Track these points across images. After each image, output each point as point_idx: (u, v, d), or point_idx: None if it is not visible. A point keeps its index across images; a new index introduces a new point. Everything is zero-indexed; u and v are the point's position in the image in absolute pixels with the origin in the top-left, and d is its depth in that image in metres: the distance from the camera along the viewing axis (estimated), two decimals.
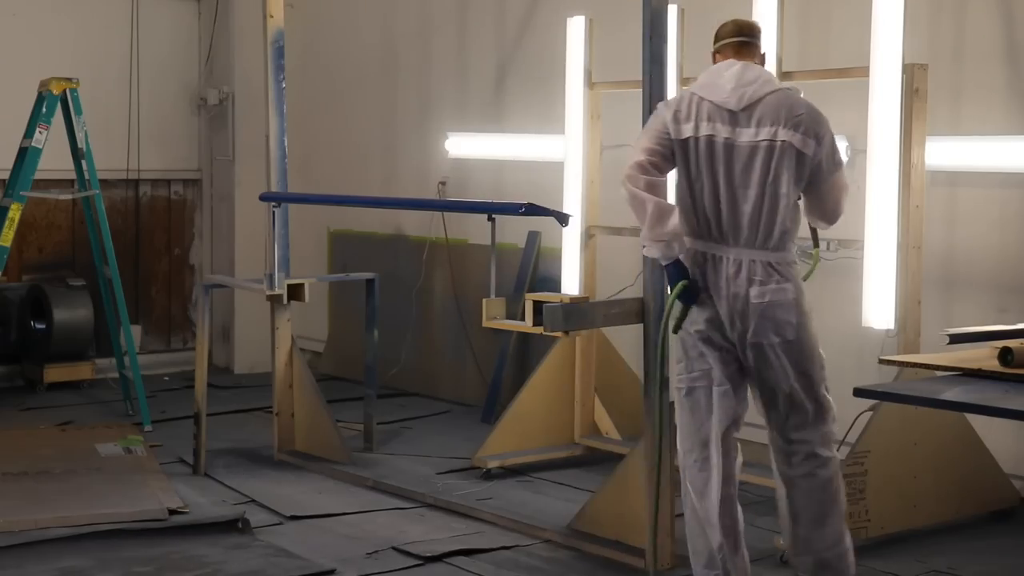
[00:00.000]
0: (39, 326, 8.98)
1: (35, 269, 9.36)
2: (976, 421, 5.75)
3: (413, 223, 9.02)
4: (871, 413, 5.57)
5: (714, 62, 4.99)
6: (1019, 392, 3.95)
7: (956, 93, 6.13)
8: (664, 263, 4.82)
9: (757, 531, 5.85)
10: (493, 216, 5.94)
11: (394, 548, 5.64)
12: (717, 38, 5.01)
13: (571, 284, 7.00)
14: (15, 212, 7.85)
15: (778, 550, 5.41)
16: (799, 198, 4.83)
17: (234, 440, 7.57)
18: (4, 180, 8.37)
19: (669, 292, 4.84)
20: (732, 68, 4.87)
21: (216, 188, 9.99)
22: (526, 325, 5.53)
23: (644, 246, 4.84)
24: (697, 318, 4.85)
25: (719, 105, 4.80)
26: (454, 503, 6.27)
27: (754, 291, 4.72)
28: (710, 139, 4.78)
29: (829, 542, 4.85)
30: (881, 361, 4.67)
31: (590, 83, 6.91)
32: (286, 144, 7.14)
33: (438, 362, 8.92)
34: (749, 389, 4.91)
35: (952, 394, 4.05)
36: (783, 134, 4.71)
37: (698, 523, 4.93)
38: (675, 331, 4.92)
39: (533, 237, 8.15)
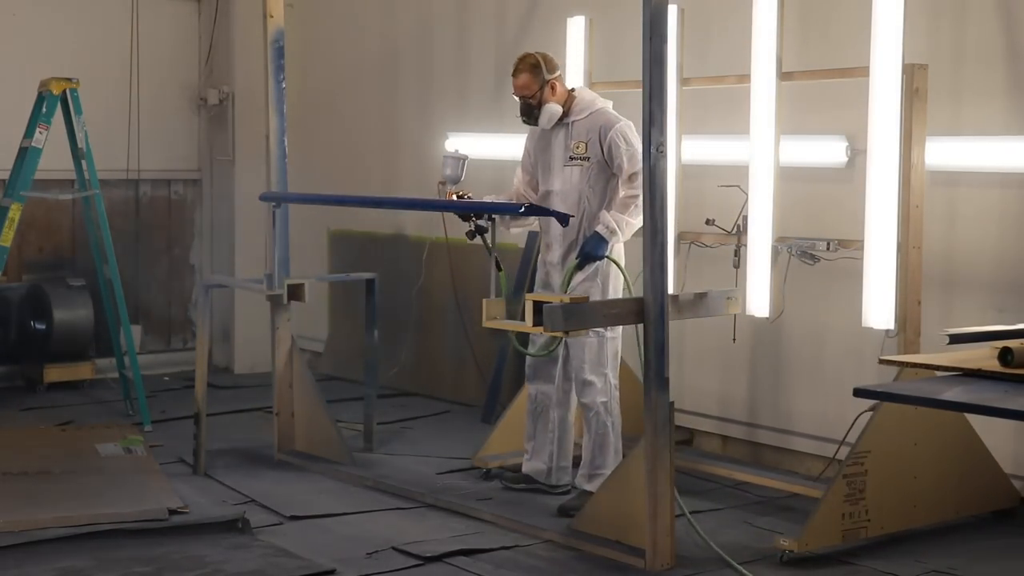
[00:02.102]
0: (39, 326, 8.97)
1: (35, 269, 9.35)
2: (976, 421, 5.75)
3: (413, 223, 9.02)
4: (871, 413, 5.56)
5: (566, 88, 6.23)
6: (1019, 392, 3.94)
7: (956, 93, 6.12)
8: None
9: (757, 531, 5.86)
10: (493, 216, 5.94)
11: (394, 548, 5.64)
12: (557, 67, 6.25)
13: None
14: (15, 212, 7.85)
15: (778, 550, 5.40)
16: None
17: (234, 440, 7.57)
18: (4, 180, 8.37)
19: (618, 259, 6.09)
20: None
21: (216, 188, 9.98)
22: (526, 325, 5.53)
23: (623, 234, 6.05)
24: None
25: None
26: (454, 503, 6.26)
27: None
28: None
29: None
30: (881, 361, 4.66)
31: (590, 83, 6.91)
32: (286, 144, 7.14)
33: (438, 362, 8.92)
34: None
35: (952, 394, 4.04)
36: None
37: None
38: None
39: (533, 237, 8.12)
